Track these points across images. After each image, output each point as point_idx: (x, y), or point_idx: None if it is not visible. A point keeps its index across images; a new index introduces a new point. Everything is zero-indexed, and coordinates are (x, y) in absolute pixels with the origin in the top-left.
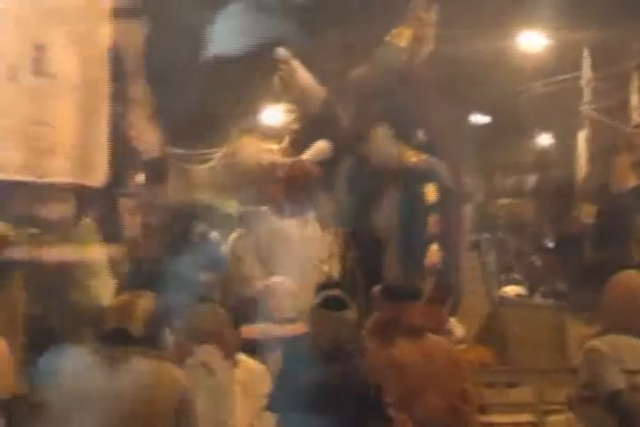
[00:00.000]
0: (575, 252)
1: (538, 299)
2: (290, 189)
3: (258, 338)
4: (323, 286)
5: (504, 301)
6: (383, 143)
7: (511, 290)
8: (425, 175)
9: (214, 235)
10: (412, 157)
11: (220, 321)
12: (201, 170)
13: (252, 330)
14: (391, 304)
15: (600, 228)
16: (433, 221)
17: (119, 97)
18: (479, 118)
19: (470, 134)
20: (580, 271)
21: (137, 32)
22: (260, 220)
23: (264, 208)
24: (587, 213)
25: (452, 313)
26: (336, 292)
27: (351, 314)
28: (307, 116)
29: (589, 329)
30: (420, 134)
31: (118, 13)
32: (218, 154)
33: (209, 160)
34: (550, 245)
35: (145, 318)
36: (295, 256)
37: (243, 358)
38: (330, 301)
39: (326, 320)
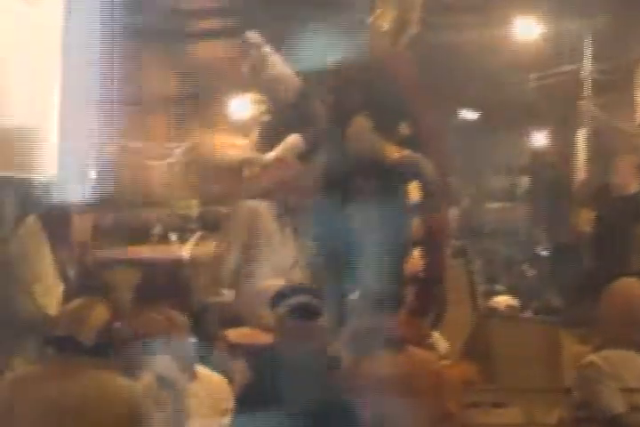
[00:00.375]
0: (571, 261)
1: (529, 313)
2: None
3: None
4: (290, 292)
5: (492, 313)
6: (362, 137)
7: (502, 300)
8: (408, 173)
9: (173, 237)
10: (394, 153)
11: (176, 329)
12: (159, 166)
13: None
14: (369, 314)
15: (599, 236)
16: (415, 224)
17: None
18: (467, 114)
19: (458, 130)
20: (576, 283)
21: None
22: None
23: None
24: (584, 220)
25: (435, 326)
26: (307, 298)
27: (324, 323)
28: (278, 107)
29: (585, 346)
30: (403, 127)
31: None
32: (178, 149)
33: (168, 155)
34: (544, 253)
35: (98, 326)
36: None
37: (202, 370)
38: (299, 308)
39: (296, 331)
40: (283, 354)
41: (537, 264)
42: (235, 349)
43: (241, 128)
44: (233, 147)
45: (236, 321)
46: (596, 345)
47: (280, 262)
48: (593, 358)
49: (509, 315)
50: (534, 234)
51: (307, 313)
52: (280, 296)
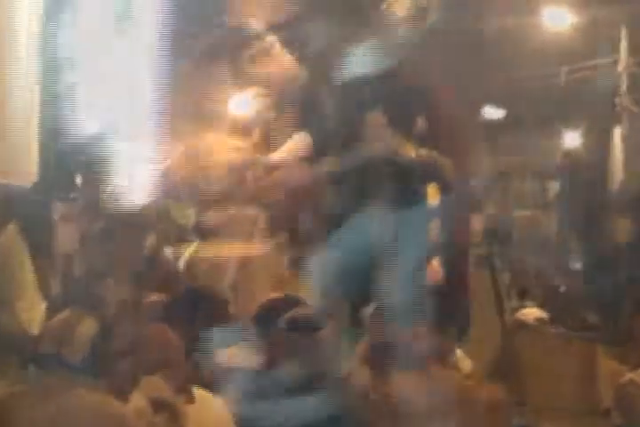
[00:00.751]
0: (607, 275)
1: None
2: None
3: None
4: (284, 305)
5: (521, 328)
6: (375, 134)
7: (530, 313)
8: (426, 173)
9: (167, 251)
10: (411, 151)
11: (171, 348)
12: (153, 171)
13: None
14: (387, 327)
15: (637, 248)
16: (434, 229)
17: None
18: (493, 111)
19: (482, 129)
20: (612, 298)
21: None
22: None
23: None
24: (621, 230)
25: (459, 342)
26: (306, 310)
27: (328, 334)
28: (283, 103)
29: (623, 364)
30: (420, 123)
31: None
32: (174, 152)
33: (162, 159)
34: (577, 266)
35: (85, 342)
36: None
37: (200, 392)
38: (297, 322)
39: (297, 346)
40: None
41: (570, 278)
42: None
43: (242, 127)
44: (234, 148)
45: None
46: (635, 363)
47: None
48: (632, 376)
49: (539, 330)
50: (567, 244)
51: (308, 326)
52: (275, 309)
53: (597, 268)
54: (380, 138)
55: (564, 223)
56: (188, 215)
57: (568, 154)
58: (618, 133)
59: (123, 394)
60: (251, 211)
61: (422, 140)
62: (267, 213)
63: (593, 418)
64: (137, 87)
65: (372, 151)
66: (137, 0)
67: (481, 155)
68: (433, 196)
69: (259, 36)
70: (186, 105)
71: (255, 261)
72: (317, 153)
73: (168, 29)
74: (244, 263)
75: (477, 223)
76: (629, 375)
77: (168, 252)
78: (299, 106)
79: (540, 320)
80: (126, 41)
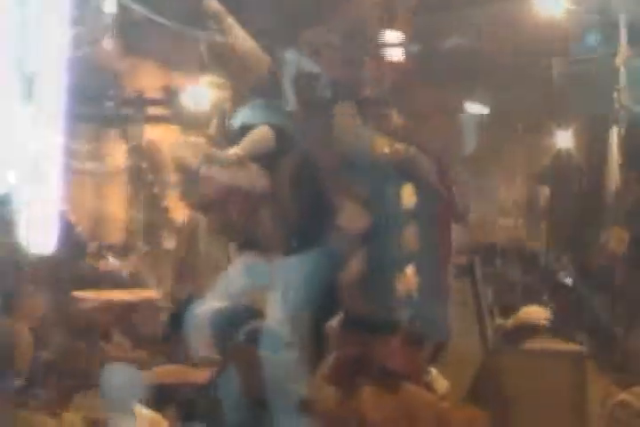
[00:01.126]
0: (601, 291)
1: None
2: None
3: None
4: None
5: (504, 346)
6: (345, 126)
7: (535, 312)
8: (401, 171)
9: (110, 259)
10: (385, 147)
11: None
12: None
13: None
14: (357, 339)
15: (634, 260)
16: (409, 233)
17: None
18: (477, 108)
19: (465, 127)
20: (604, 314)
21: None
22: None
23: None
24: (617, 240)
25: (433, 360)
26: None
27: (292, 354)
28: (243, 93)
29: (614, 385)
30: (395, 117)
31: None
32: (120, 149)
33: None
34: (568, 281)
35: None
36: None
37: (141, 410)
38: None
39: (257, 362)
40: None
41: (558, 294)
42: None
43: (197, 121)
44: (193, 146)
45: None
46: (628, 381)
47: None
48: (626, 397)
49: (527, 350)
50: (556, 257)
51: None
52: (231, 321)
53: (590, 281)
54: (350, 130)
55: (552, 234)
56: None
57: (559, 156)
58: (614, 134)
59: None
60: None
61: (397, 135)
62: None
63: None
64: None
65: (341, 145)
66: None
67: (464, 154)
68: (408, 196)
69: (217, 17)
70: None
71: None
72: (279, 148)
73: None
74: None
75: (461, 232)
76: (622, 396)
77: (110, 259)
78: (260, 96)
79: (544, 327)
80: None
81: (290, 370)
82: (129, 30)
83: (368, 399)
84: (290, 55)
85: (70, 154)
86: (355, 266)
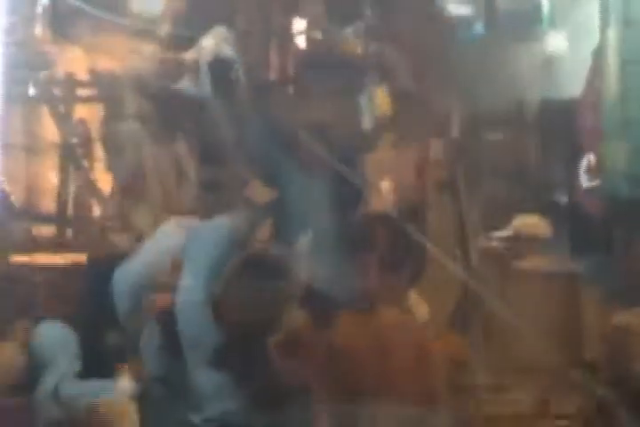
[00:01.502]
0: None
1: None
2: None
3: None
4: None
5: (488, 268)
6: (316, 25)
7: (530, 226)
8: (376, 73)
9: None
10: (355, 48)
11: None
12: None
13: None
14: (325, 261)
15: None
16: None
17: None
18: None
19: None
20: (600, 234)
21: None
22: None
23: None
24: (617, 154)
25: (412, 284)
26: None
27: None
28: None
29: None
30: (368, 13)
31: None
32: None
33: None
34: (563, 200)
35: None
36: None
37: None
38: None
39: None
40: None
41: (552, 214)
42: None
43: (149, 27)
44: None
45: None
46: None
47: None
48: (625, 317)
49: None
50: (549, 174)
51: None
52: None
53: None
54: (321, 28)
55: (545, 148)
56: None
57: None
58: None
59: None
60: None
61: (369, 34)
62: None
63: (577, 375)
64: None
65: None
66: None
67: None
68: (383, 100)
69: None
70: None
71: None
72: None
73: None
74: None
75: (438, 146)
76: (622, 317)
77: None
78: None
79: (541, 238)
80: None
81: (203, 325)
82: (59, 19)
83: (343, 321)
84: (206, 41)
85: (6, 131)
86: None
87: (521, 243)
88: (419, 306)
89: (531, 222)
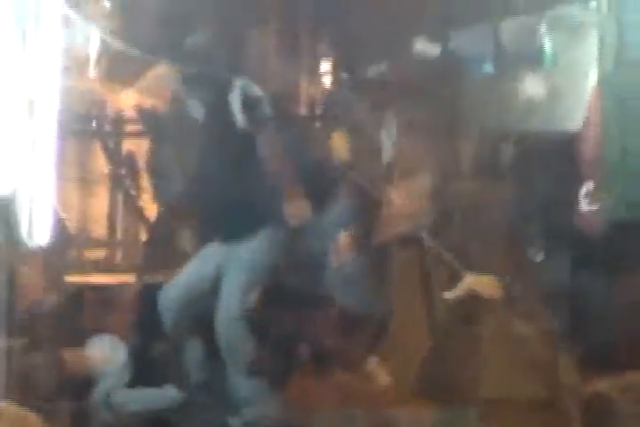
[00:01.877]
0: (579, 269)
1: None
2: None
3: None
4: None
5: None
6: None
7: (483, 284)
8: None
9: None
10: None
11: None
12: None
13: None
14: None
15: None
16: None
17: None
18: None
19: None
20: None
21: None
22: None
23: None
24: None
25: (373, 348)
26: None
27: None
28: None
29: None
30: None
31: None
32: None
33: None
34: (538, 257)
35: None
36: None
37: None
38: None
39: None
40: None
41: (523, 274)
42: None
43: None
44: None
45: None
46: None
47: None
48: (604, 386)
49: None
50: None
51: None
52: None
53: (564, 255)
54: None
55: (519, 200)
56: None
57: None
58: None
59: None
60: None
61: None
62: None
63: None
64: None
65: None
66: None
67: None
68: (342, 146)
69: None
70: None
71: None
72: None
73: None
74: None
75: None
76: (600, 385)
77: None
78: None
79: (494, 299)
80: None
81: (240, 338)
82: (108, 61)
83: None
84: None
85: (62, 164)
86: None
87: (472, 303)
88: (378, 372)
89: (479, 281)
